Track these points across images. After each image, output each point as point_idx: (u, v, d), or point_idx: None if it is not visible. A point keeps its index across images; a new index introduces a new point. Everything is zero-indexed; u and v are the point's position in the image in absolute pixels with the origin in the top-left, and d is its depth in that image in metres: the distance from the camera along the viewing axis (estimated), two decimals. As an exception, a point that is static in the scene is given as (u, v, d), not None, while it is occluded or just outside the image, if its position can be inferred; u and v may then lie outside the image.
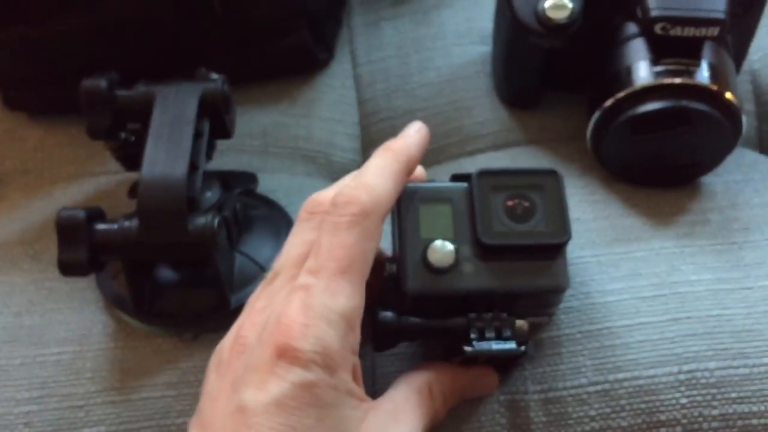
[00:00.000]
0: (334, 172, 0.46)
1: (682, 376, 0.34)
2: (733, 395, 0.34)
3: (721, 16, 0.36)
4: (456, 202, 0.33)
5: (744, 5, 0.39)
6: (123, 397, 0.36)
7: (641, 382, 0.34)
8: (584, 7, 0.39)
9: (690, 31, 0.36)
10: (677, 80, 0.37)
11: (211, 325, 0.37)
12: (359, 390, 0.29)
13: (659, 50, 0.37)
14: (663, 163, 0.39)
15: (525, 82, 0.44)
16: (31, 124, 0.46)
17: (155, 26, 0.43)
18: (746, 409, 0.34)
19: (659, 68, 0.37)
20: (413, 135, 0.33)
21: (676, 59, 0.37)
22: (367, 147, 0.48)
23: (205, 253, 0.34)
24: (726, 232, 0.39)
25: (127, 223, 0.33)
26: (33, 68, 0.44)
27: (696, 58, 0.37)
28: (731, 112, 0.37)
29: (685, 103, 0.36)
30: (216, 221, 0.33)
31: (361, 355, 0.34)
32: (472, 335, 0.32)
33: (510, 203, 0.33)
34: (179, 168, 0.34)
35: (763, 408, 0.34)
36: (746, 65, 0.47)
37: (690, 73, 0.37)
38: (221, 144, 0.41)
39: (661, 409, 0.34)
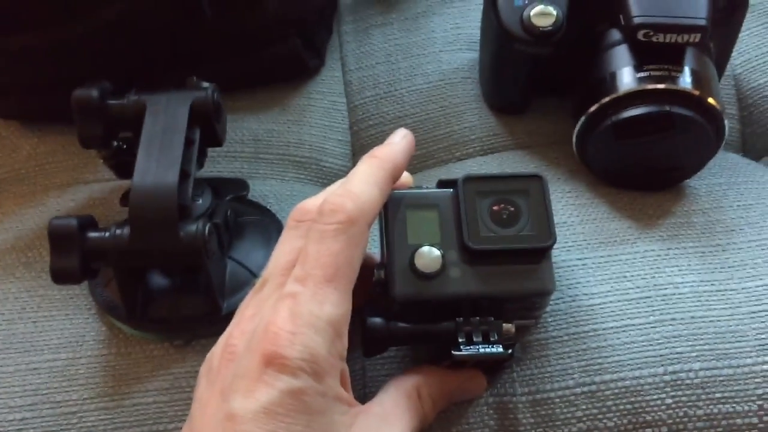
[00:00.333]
0: (324, 178, 0.47)
1: (667, 377, 0.35)
2: (718, 395, 0.35)
3: (702, 22, 0.36)
4: (442, 207, 0.34)
5: (726, 11, 0.40)
6: (116, 403, 0.36)
7: (627, 383, 0.35)
8: (569, 15, 0.40)
9: (672, 38, 0.37)
10: (660, 86, 0.37)
11: (202, 331, 0.37)
12: (348, 395, 0.29)
13: (642, 56, 0.38)
14: (647, 167, 0.40)
15: (512, 88, 0.45)
16: (24, 133, 0.47)
17: (146, 35, 0.43)
18: (730, 409, 0.35)
19: (643, 74, 0.38)
20: (399, 142, 0.33)
21: (659, 65, 0.38)
22: (357, 152, 0.48)
23: (196, 259, 0.34)
24: (710, 235, 0.39)
25: (118, 231, 0.34)
26: (26, 77, 0.44)
27: (679, 64, 0.38)
28: (713, 117, 0.38)
29: (668, 108, 0.37)
30: (207, 228, 0.34)
31: (351, 359, 0.35)
32: (460, 339, 0.32)
33: (495, 208, 0.33)
34: (170, 176, 0.34)
35: (747, 407, 0.35)
36: (729, 70, 0.48)
37: (673, 79, 0.37)
38: (213, 150, 0.41)
39: (647, 409, 0.35)
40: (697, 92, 0.37)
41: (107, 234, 0.34)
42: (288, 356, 0.27)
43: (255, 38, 0.46)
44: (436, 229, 0.33)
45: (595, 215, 0.40)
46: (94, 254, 0.34)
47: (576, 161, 0.42)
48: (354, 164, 0.47)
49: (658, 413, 0.35)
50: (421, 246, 0.32)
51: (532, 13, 0.40)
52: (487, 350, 0.32)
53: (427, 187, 0.35)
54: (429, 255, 0.32)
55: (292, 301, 0.28)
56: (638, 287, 0.37)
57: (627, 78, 0.38)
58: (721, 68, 0.43)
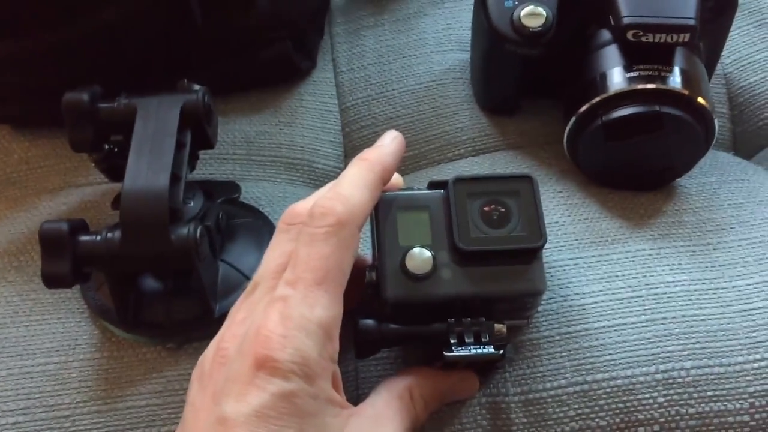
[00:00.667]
0: (317, 179, 0.47)
1: (659, 376, 0.35)
2: (709, 393, 0.35)
3: (691, 22, 0.37)
4: (433, 209, 0.34)
5: (715, 11, 0.40)
6: (109, 406, 0.36)
7: (619, 382, 0.35)
8: (559, 15, 0.40)
9: (661, 38, 0.37)
10: (650, 86, 0.37)
11: (195, 333, 0.37)
12: (340, 397, 0.29)
13: (632, 56, 0.38)
14: (638, 167, 0.40)
15: (502, 88, 0.45)
16: (15, 137, 0.47)
17: (137, 39, 0.43)
18: (722, 407, 0.35)
19: (632, 74, 0.38)
20: (389, 144, 0.33)
21: (648, 65, 0.38)
22: (349, 154, 0.48)
23: (188, 263, 0.34)
24: (700, 234, 0.39)
25: (109, 235, 0.34)
26: (17, 81, 0.44)
27: (668, 64, 0.38)
28: (703, 117, 0.38)
29: (658, 108, 0.37)
30: (198, 231, 0.34)
31: (344, 360, 0.35)
32: (452, 340, 0.32)
33: (486, 209, 0.33)
34: (161, 179, 0.34)
35: (738, 405, 0.35)
36: (720, 69, 0.48)
37: (662, 79, 0.37)
38: (205, 153, 0.41)
39: (639, 408, 0.35)
40: (686, 92, 0.37)
41: (98, 238, 0.34)
42: (279, 359, 0.27)
43: (246, 41, 0.46)
44: (427, 230, 0.33)
45: (586, 215, 0.40)
46: (86, 258, 0.34)
47: (567, 161, 0.42)
48: (346, 166, 0.48)
49: (650, 412, 0.35)
50: (412, 247, 0.32)
51: (522, 14, 0.40)
52: (479, 351, 0.32)
53: (418, 189, 0.35)
54: (420, 256, 0.32)
55: (283, 304, 0.28)
56: (629, 286, 0.37)
57: (617, 78, 0.38)
58: (711, 67, 0.43)
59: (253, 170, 0.46)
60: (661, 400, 0.35)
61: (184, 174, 0.36)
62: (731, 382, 0.35)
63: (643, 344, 0.36)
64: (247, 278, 0.38)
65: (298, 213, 0.31)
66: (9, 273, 0.41)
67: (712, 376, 0.35)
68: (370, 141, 0.48)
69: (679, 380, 0.35)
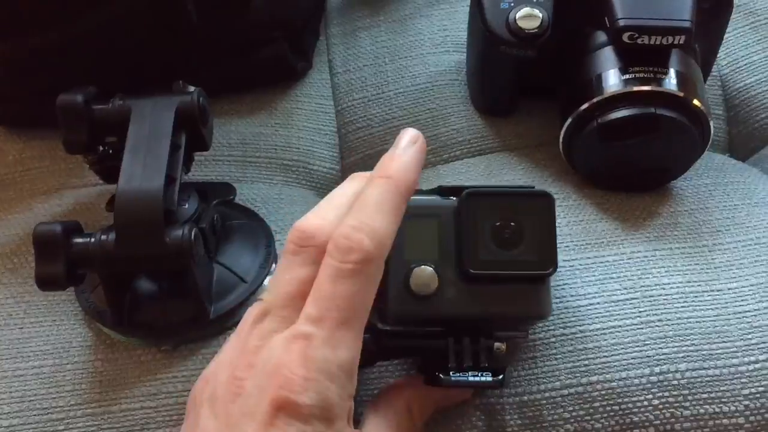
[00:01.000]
0: (312, 181, 0.47)
1: (654, 378, 0.35)
2: (704, 396, 0.35)
3: (687, 24, 0.37)
4: (443, 219, 0.32)
5: (710, 12, 0.40)
6: (103, 408, 0.36)
7: (614, 384, 0.35)
8: (554, 17, 0.40)
9: (657, 40, 0.37)
10: (646, 88, 0.37)
11: (190, 335, 0.37)
12: (351, 429, 0.29)
13: (628, 58, 0.38)
14: (633, 169, 0.40)
15: (498, 90, 0.45)
16: (9, 138, 0.46)
17: (133, 39, 0.43)
18: (717, 409, 0.35)
19: (628, 76, 0.38)
20: (411, 154, 0.29)
21: (644, 67, 0.38)
22: (345, 155, 0.48)
23: (182, 264, 0.34)
24: (696, 235, 0.39)
25: (104, 237, 0.34)
26: (11, 82, 0.44)
27: (664, 66, 0.38)
28: (698, 119, 0.38)
29: (653, 110, 0.37)
30: (193, 233, 0.34)
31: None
32: (450, 364, 0.31)
33: (498, 227, 0.32)
34: (156, 181, 0.34)
35: (733, 408, 0.35)
36: (716, 70, 0.48)
37: (658, 81, 0.37)
38: (200, 154, 0.41)
39: (634, 410, 0.35)
40: (682, 94, 0.37)
41: (93, 239, 0.34)
42: (301, 403, 0.26)
43: (242, 42, 0.46)
44: (435, 244, 0.32)
45: (581, 217, 0.40)
46: (80, 260, 0.34)
47: (563, 163, 0.42)
48: (342, 167, 0.48)
49: (646, 414, 0.35)
50: (418, 264, 0.32)
51: (517, 16, 0.40)
52: (477, 379, 0.31)
53: (427, 192, 0.34)
54: (425, 276, 0.31)
55: (305, 343, 0.27)
56: (625, 288, 0.37)
57: (612, 80, 0.38)
58: (707, 69, 0.43)
59: (248, 172, 0.46)
60: (656, 402, 0.35)
61: (179, 175, 0.36)
62: (726, 385, 0.35)
63: (638, 346, 0.36)
64: (242, 280, 0.38)
65: (309, 234, 0.29)
66: (3, 275, 0.41)
67: (707, 379, 0.35)
68: (365, 142, 0.48)
69: (674, 382, 0.35)
